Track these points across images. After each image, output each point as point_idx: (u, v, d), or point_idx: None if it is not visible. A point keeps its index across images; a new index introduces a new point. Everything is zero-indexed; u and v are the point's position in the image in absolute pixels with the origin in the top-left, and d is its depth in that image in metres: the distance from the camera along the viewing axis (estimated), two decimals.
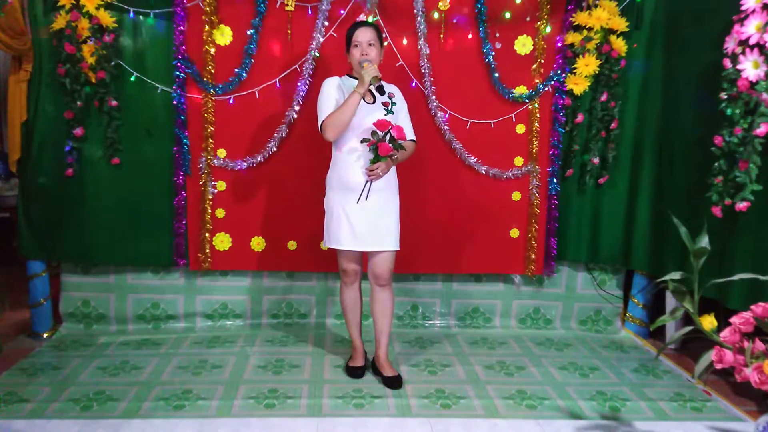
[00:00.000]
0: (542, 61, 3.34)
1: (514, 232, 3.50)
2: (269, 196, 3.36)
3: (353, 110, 2.59)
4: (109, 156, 3.20)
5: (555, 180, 3.44)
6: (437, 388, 2.79)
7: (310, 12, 3.20)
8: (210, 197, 3.31)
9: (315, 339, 3.38)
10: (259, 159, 3.28)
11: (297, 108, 3.24)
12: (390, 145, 2.58)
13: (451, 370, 3.00)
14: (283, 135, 3.27)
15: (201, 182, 3.29)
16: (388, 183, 2.74)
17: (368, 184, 2.65)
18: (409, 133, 2.79)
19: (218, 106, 3.23)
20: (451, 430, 2.42)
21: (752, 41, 2.52)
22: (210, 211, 3.32)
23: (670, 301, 3.34)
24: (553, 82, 3.34)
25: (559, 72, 3.33)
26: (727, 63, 2.63)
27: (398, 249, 2.76)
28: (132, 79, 3.15)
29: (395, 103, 2.69)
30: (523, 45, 3.33)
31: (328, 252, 3.16)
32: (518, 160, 3.44)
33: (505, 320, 3.67)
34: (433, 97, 3.31)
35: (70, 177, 3.18)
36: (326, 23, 3.19)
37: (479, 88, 3.35)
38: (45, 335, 3.33)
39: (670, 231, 2.89)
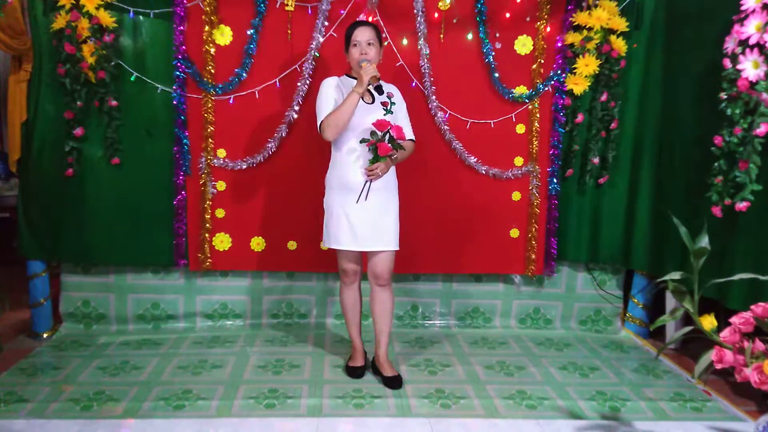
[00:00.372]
0: (542, 61, 3.34)
1: (514, 232, 3.50)
2: (269, 196, 3.36)
3: (352, 110, 2.59)
4: (109, 156, 3.20)
5: (555, 180, 3.44)
6: (437, 388, 2.79)
7: (310, 12, 3.20)
8: (210, 197, 3.31)
9: (315, 339, 3.38)
10: (259, 159, 3.28)
11: (297, 108, 3.24)
12: (389, 145, 2.57)
13: (451, 370, 3.00)
14: (283, 135, 3.27)
15: (201, 182, 3.29)
16: (388, 183, 2.74)
17: (368, 184, 2.65)
18: (408, 133, 2.79)
19: (218, 106, 3.23)
20: (451, 430, 2.42)
21: (752, 41, 2.52)
22: (210, 211, 3.32)
23: (670, 301, 3.34)
24: (553, 82, 3.34)
25: (559, 72, 3.33)
26: (727, 63, 2.63)
27: (398, 249, 2.76)
28: (132, 79, 3.15)
29: (394, 103, 2.69)
30: (523, 45, 3.33)
31: (328, 252, 3.16)
32: (518, 160, 3.44)
33: (505, 320, 3.67)
34: (433, 97, 3.31)
35: (70, 177, 3.18)
36: (326, 23, 3.19)
37: (479, 88, 3.35)
38: (45, 335, 3.33)
39: (670, 231, 2.89)
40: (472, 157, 3.39)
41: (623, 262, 3.53)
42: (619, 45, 3.23)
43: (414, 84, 3.30)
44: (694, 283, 1.92)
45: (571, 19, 3.27)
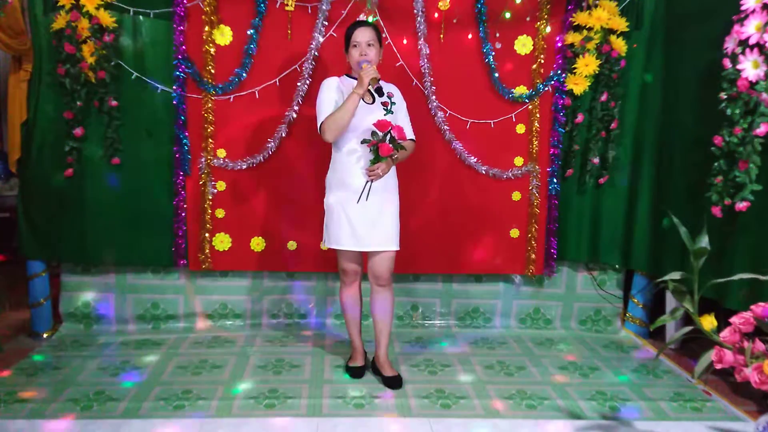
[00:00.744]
0: (542, 61, 3.34)
1: (514, 232, 3.50)
2: (269, 196, 3.36)
3: (352, 111, 2.59)
4: (109, 156, 3.20)
5: (555, 180, 3.44)
6: (437, 388, 2.79)
7: (310, 12, 3.20)
8: (210, 197, 3.31)
9: (315, 339, 3.38)
10: (259, 159, 3.28)
11: (297, 108, 3.24)
12: (390, 145, 2.57)
13: (451, 370, 3.00)
14: (283, 135, 3.27)
15: (201, 182, 3.29)
16: (388, 183, 2.74)
17: (368, 184, 2.65)
18: (409, 133, 2.79)
19: (218, 106, 3.23)
20: (451, 430, 2.42)
21: (752, 41, 2.52)
22: (210, 211, 3.32)
23: (670, 301, 3.34)
24: (553, 82, 3.34)
25: (559, 72, 3.33)
26: (727, 63, 2.63)
27: (398, 249, 2.76)
28: (132, 78, 3.15)
29: (394, 103, 2.69)
30: (523, 45, 3.33)
31: (328, 252, 3.16)
32: (518, 160, 3.44)
33: (505, 320, 3.67)
34: (433, 97, 3.31)
35: (70, 177, 3.18)
36: (326, 23, 3.19)
37: (479, 88, 3.35)
38: (45, 335, 3.33)
39: (670, 231, 2.89)
40: (472, 157, 3.39)
41: (623, 262, 3.53)
42: (619, 45, 3.23)
43: (414, 84, 3.30)
44: (694, 283, 1.93)
45: (571, 19, 3.27)
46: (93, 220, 3.24)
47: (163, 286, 3.45)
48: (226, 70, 3.20)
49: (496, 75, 3.32)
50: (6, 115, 3.46)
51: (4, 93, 3.31)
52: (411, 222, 3.10)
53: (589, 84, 3.28)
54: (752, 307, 1.78)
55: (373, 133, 2.59)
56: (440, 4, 3.22)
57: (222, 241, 3.35)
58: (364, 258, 2.86)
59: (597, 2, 3.22)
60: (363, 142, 2.61)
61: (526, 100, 3.37)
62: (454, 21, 3.27)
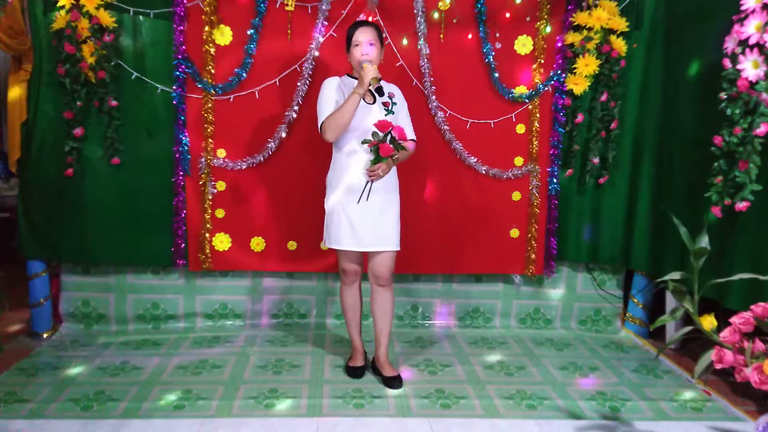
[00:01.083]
0: (542, 61, 3.34)
1: (514, 232, 3.50)
2: (269, 196, 3.36)
3: (353, 111, 2.59)
4: (109, 156, 3.20)
5: (555, 180, 3.44)
6: (437, 388, 2.79)
7: (310, 12, 3.20)
8: (210, 197, 3.31)
9: (315, 339, 3.38)
10: (259, 159, 3.28)
11: (297, 108, 3.24)
12: (391, 145, 2.57)
13: (451, 370, 3.00)
14: (283, 135, 3.27)
15: (201, 182, 3.29)
16: (389, 183, 2.74)
17: (369, 184, 2.65)
18: (410, 133, 2.79)
19: (218, 106, 3.23)
20: (451, 430, 2.42)
21: (752, 41, 2.52)
22: (210, 211, 3.32)
23: (670, 301, 3.34)
24: (553, 82, 3.34)
25: (559, 72, 3.33)
26: (727, 63, 2.63)
27: (399, 249, 2.76)
28: (132, 78, 3.15)
29: (395, 103, 2.69)
30: (523, 45, 3.33)
31: (328, 252, 3.17)
32: (518, 160, 3.44)
33: (505, 320, 3.67)
34: (433, 97, 3.31)
35: (70, 177, 3.18)
36: (326, 23, 3.19)
37: (479, 88, 3.35)
38: (45, 335, 3.33)
39: (670, 231, 2.89)
40: (472, 157, 3.39)
41: (623, 262, 3.53)
42: (619, 45, 3.23)
43: (414, 84, 3.30)
44: (694, 283, 1.92)
45: (571, 19, 3.27)
46: (93, 220, 3.24)
47: (163, 286, 3.45)
48: (226, 70, 3.20)
49: (496, 75, 3.32)
50: (6, 115, 3.46)
51: (4, 93, 3.31)
52: (411, 222, 3.10)
53: (589, 84, 3.28)
54: (752, 307, 1.78)
55: (374, 134, 2.59)
56: (440, 4, 3.22)
57: (222, 241, 3.35)
58: (364, 258, 2.86)
59: (597, 2, 3.22)
60: (364, 142, 2.61)
61: (526, 100, 3.37)
62: (454, 21, 3.27)
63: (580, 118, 3.34)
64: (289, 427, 2.41)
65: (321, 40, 3.20)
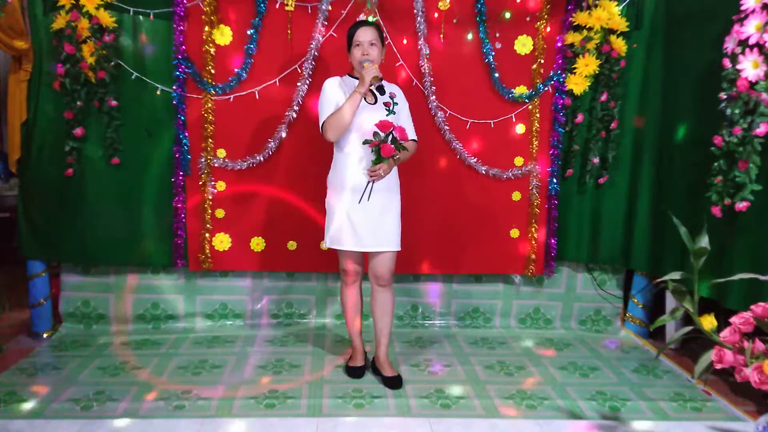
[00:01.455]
0: (542, 61, 3.34)
1: (514, 232, 3.50)
2: (269, 196, 3.36)
3: (354, 110, 2.59)
4: (109, 156, 3.20)
5: (555, 180, 3.44)
6: (437, 388, 2.79)
7: (310, 12, 3.20)
8: (210, 197, 3.31)
9: (315, 339, 3.38)
10: (259, 159, 3.28)
11: (297, 108, 3.24)
12: (392, 146, 2.57)
13: (451, 371, 3.00)
14: (283, 135, 3.27)
15: (201, 182, 3.29)
16: (390, 183, 2.74)
17: (370, 184, 2.65)
18: (411, 133, 2.79)
19: (218, 106, 3.23)
20: (451, 430, 2.42)
21: (752, 41, 2.52)
22: (210, 211, 3.32)
23: (670, 301, 3.34)
24: (553, 82, 3.34)
25: (559, 72, 3.33)
26: (727, 63, 2.63)
27: (399, 249, 2.76)
28: (132, 78, 3.15)
29: (397, 104, 2.68)
30: (523, 45, 3.33)
31: (328, 252, 3.16)
32: (518, 160, 3.44)
33: (505, 320, 3.67)
34: (433, 97, 3.31)
35: (70, 177, 3.18)
36: (326, 23, 3.19)
37: (479, 88, 3.35)
38: (45, 335, 3.33)
39: (669, 231, 2.89)
40: (472, 157, 3.39)
41: (623, 262, 3.53)
42: (619, 45, 3.23)
43: (414, 84, 3.30)
44: (694, 283, 1.93)
45: (571, 19, 3.27)
46: (93, 220, 3.24)
47: (163, 286, 3.45)
48: (226, 70, 3.20)
49: (496, 75, 3.32)
50: (6, 115, 3.46)
51: (4, 93, 3.30)
52: (411, 222, 3.10)
53: (589, 84, 3.28)
54: (752, 307, 1.78)
55: (375, 134, 2.58)
56: (440, 4, 3.22)
57: (222, 241, 3.35)
58: (365, 258, 2.86)
59: (597, 2, 3.22)
60: (365, 142, 2.60)
61: (526, 100, 3.37)
62: (454, 21, 3.27)
63: (580, 118, 3.34)
64: (289, 427, 2.41)
65: (321, 40, 3.20)
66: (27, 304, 3.38)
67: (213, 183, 3.30)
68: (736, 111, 2.60)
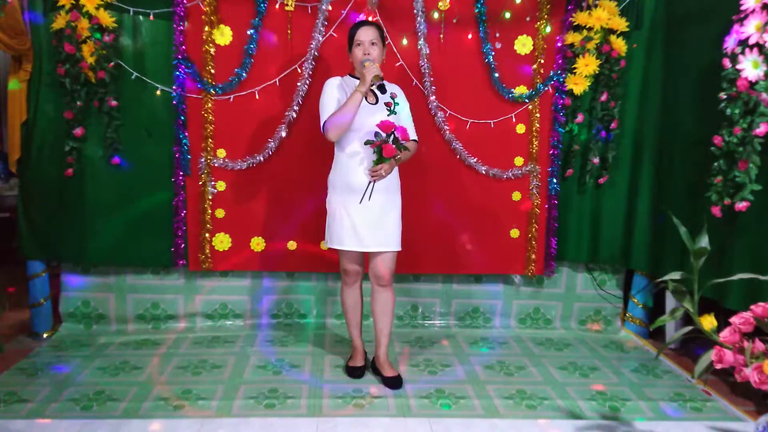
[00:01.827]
0: (542, 61, 3.34)
1: (514, 232, 3.50)
2: (269, 196, 3.36)
3: (355, 110, 2.59)
4: (109, 156, 3.20)
5: (555, 180, 3.44)
6: (437, 388, 2.79)
7: (310, 12, 3.20)
8: (210, 197, 3.31)
9: (315, 339, 3.38)
10: (259, 159, 3.28)
11: (297, 108, 3.24)
12: (394, 146, 2.57)
13: (451, 370, 3.00)
14: (283, 135, 3.27)
15: (201, 182, 3.29)
16: (391, 183, 2.74)
17: (371, 184, 2.65)
18: (412, 133, 2.79)
19: (218, 106, 3.23)
20: (451, 430, 2.42)
21: (752, 41, 2.52)
22: (210, 211, 3.32)
23: (670, 301, 3.34)
24: (553, 82, 3.34)
25: (559, 72, 3.33)
26: (727, 63, 2.63)
27: (400, 249, 2.76)
28: (132, 78, 3.15)
29: (398, 103, 2.68)
30: (523, 45, 3.33)
31: (328, 252, 3.16)
32: (518, 160, 3.44)
33: (505, 320, 3.67)
34: (433, 97, 3.31)
35: (70, 177, 3.18)
36: (326, 23, 3.19)
37: (479, 88, 3.35)
38: (45, 335, 3.33)
39: (669, 231, 2.89)
40: (472, 157, 3.39)
41: (623, 262, 3.53)
42: (619, 45, 3.23)
43: (414, 84, 3.30)
44: (694, 283, 1.92)
45: (571, 19, 3.27)
46: (93, 220, 3.24)
47: (162, 286, 3.45)
48: (226, 70, 3.20)
49: (496, 75, 3.32)
50: (6, 114, 3.46)
51: (4, 93, 3.30)
52: (411, 222, 3.10)
53: (589, 84, 3.28)
54: (752, 307, 1.78)
55: (377, 134, 2.58)
56: (440, 4, 3.22)
57: (222, 241, 3.35)
58: (365, 258, 2.86)
59: (597, 2, 3.22)
60: (367, 143, 2.60)
61: (526, 100, 3.37)
62: (454, 21, 3.27)
63: (580, 118, 3.34)
64: (289, 427, 2.41)
65: (321, 40, 3.20)
66: (27, 304, 3.38)
67: (213, 183, 3.30)
68: (736, 111, 2.60)
